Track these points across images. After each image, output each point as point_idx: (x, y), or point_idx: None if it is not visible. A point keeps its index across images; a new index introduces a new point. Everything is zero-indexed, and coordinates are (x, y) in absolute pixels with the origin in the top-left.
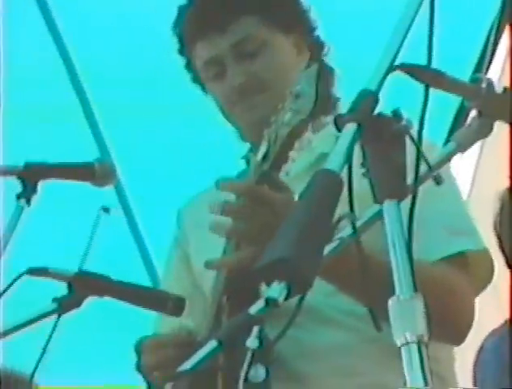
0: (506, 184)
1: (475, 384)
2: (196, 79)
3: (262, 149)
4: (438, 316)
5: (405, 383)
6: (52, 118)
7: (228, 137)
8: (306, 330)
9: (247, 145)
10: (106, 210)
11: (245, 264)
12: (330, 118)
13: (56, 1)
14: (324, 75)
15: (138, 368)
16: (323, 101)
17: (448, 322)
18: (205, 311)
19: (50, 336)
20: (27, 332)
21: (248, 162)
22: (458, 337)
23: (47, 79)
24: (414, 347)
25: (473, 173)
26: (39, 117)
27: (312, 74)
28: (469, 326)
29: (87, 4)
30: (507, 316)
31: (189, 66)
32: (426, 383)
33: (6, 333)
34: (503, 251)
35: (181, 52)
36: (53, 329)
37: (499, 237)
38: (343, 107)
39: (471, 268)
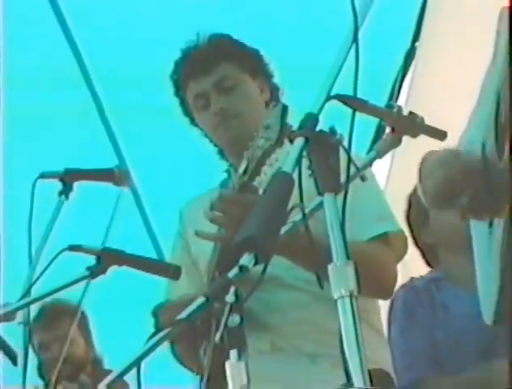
0: (414, 183)
1: (388, 327)
2: (187, 113)
3: (243, 165)
4: (371, 279)
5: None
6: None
7: None
8: (271, 293)
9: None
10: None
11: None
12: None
13: (69, 3)
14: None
15: (156, 327)
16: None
17: (378, 283)
18: (201, 282)
19: (84, 294)
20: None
21: (229, 174)
22: (386, 293)
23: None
24: (347, 299)
25: (387, 173)
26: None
27: (278, 111)
28: (393, 284)
29: (100, 7)
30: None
31: (182, 104)
32: (356, 327)
33: (57, 290)
34: (410, 228)
35: (177, 93)
36: (85, 289)
37: (410, 225)
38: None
39: (392, 244)
